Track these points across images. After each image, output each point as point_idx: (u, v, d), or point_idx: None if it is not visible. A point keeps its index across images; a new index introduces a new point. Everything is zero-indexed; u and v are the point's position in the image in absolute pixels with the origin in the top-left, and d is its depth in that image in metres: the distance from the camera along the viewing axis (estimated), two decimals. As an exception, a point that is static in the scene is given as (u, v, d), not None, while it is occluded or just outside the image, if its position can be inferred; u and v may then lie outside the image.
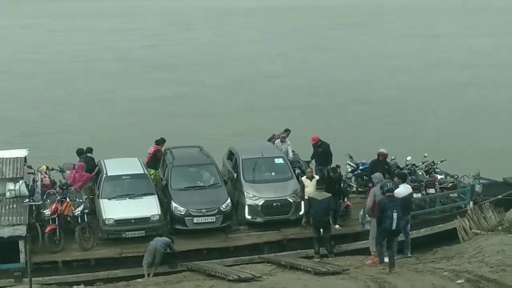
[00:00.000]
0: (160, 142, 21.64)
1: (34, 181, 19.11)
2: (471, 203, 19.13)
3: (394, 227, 15.11)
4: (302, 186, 18.90)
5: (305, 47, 50.02)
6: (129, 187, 18.96)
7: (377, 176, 16.95)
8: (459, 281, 13.87)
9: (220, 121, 32.41)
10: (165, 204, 19.01)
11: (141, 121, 32.43)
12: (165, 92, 38.13)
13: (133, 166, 19.81)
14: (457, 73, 40.91)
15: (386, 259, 15.61)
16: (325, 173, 19.39)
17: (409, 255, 17.22)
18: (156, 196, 18.81)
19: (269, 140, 22.46)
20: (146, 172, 19.58)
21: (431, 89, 37.35)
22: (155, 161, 21.04)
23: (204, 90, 38.66)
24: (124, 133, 30.58)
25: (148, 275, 16.69)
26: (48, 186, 18.92)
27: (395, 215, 15.06)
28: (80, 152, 20.60)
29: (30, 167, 19.79)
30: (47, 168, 19.78)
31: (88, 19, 75.61)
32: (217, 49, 50.62)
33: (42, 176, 19.12)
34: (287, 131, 22.05)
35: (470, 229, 18.10)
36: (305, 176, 19.11)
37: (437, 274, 14.49)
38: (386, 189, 15.56)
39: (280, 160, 20.27)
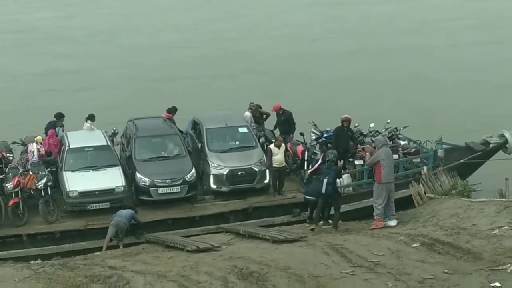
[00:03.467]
0: (172, 110, 21.65)
1: (28, 152, 18.86)
2: (425, 168, 19.32)
3: (323, 191, 16.51)
4: (270, 154, 18.97)
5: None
6: (93, 159, 18.81)
7: (380, 139, 17.44)
8: (414, 245, 14.08)
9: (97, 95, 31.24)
10: (129, 175, 18.89)
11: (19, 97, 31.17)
12: (54, 66, 36.57)
13: (96, 138, 19.64)
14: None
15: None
16: None
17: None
18: (120, 167, 18.70)
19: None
20: (109, 143, 19.40)
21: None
22: None
23: (94, 63, 37.26)
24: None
25: (116, 246, 16.61)
26: (44, 156, 18.96)
27: (325, 180, 16.47)
28: (59, 116, 20.67)
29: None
30: (42, 139, 19.60)
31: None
32: (124, 20, 48.53)
33: (39, 147, 19.00)
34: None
35: (425, 193, 18.31)
36: (273, 144, 19.15)
37: (393, 238, 14.70)
38: (327, 159, 16.96)
39: (244, 129, 20.28)
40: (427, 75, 32.26)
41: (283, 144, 19.24)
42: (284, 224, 17.77)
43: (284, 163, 19.12)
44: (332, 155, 17.05)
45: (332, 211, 17.16)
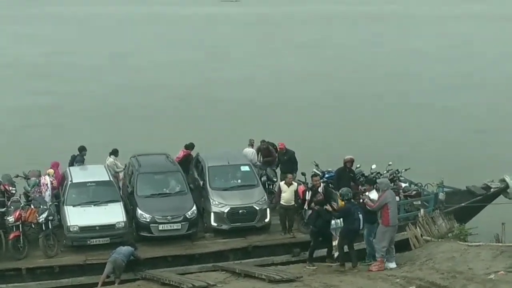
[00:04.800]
0: (190, 147, 21.91)
1: (42, 184, 19.08)
2: (422, 210, 19.36)
3: (361, 226, 16.42)
4: (279, 192, 19.07)
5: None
6: (94, 194, 18.91)
7: (384, 182, 17.44)
8: (410, 288, 14.08)
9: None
10: (130, 211, 19.00)
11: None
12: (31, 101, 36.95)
13: (99, 173, 19.79)
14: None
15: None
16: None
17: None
18: (121, 203, 18.80)
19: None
20: (111, 179, 19.56)
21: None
22: (184, 165, 21.17)
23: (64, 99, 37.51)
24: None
25: (113, 282, 16.64)
26: (56, 189, 19.29)
27: (360, 216, 16.32)
28: (81, 149, 21.09)
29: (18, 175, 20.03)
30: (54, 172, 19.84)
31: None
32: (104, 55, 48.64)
33: (51, 179, 19.22)
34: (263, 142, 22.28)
35: (422, 236, 18.34)
36: (283, 182, 19.26)
37: (389, 281, 14.69)
38: (346, 198, 16.62)
39: (246, 168, 20.38)
40: (432, 117, 32.47)
41: (294, 183, 19.25)
42: (284, 263, 17.75)
43: (293, 202, 19.07)
44: (350, 194, 16.82)
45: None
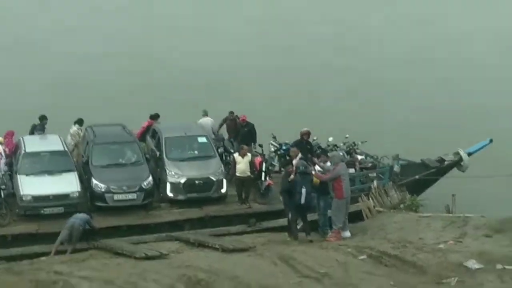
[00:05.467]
0: (154, 117, 21.84)
1: None
2: (375, 182, 19.59)
3: (303, 201, 16.26)
4: (234, 163, 19.09)
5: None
6: (48, 164, 18.70)
7: (336, 155, 17.70)
8: (361, 257, 14.27)
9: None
10: (85, 181, 18.84)
11: None
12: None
13: (53, 142, 19.54)
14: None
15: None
16: None
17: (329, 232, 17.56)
18: (76, 172, 18.62)
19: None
20: (66, 149, 19.35)
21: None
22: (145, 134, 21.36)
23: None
24: None
25: (65, 251, 16.51)
26: (10, 157, 18.98)
27: (303, 190, 16.20)
28: (42, 118, 20.85)
29: None
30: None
31: None
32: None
33: (4, 148, 18.96)
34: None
35: (374, 207, 18.59)
36: (237, 153, 19.25)
37: (341, 250, 14.87)
38: (299, 171, 16.62)
39: (203, 139, 20.35)
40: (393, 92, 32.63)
41: (248, 154, 19.31)
42: (240, 233, 17.83)
43: (248, 173, 19.13)
44: (303, 167, 16.89)
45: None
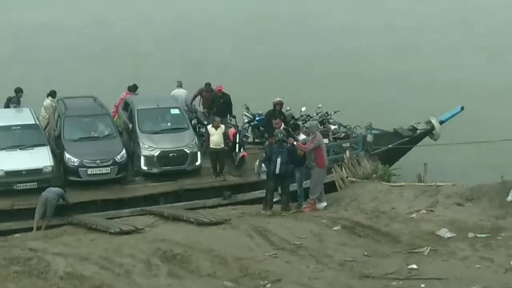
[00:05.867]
0: (132, 88, 21.58)
1: None
2: (347, 152, 19.69)
3: (277, 171, 16.21)
4: (207, 135, 19.02)
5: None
6: (20, 138, 18.47)
7: (313, 124, 17.54)
8: (335, 228, 14.43)
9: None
10: (58, 156, 18.69)
11: None
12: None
13: (24, 116, 19.30)
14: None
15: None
16: None
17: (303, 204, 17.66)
18: (48, 147, 18.45)
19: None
20: (38, 122, 19.13)
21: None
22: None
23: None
24: None
25: (40, 227, 16.45)
26: None
27: (279, 160, 16.16)
28: (18, 91, 20.57)
29: None
30: None
31: None
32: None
33: None
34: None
35: (347, 177, 18.71)
36: (210, 125, 19.20)
37: (315, 221, 14.99)
38: (277, 139, 16.56)
39: (176, 111, 20.23)
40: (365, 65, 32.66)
41: (221, 126, 19.23)
42: (215, 206, 17.87)
43: (222, 145, 19.08)
44: (281, 134, 16.77)
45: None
